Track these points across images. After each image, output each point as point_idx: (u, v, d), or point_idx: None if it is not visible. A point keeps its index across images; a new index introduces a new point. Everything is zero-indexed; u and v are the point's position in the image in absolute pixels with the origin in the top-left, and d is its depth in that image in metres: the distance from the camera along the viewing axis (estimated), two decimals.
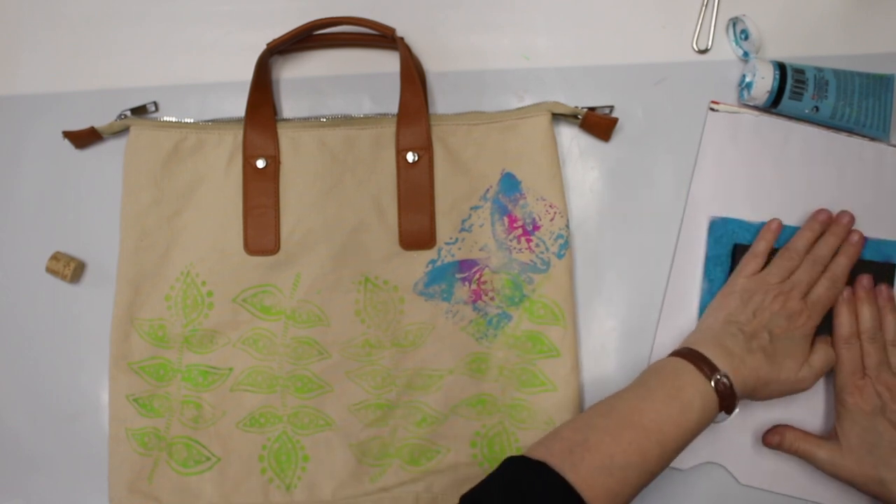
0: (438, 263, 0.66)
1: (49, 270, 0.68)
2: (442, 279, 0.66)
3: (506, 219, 0.67)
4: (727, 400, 0.58)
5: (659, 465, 0.56)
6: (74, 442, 0.68)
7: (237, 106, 0.68)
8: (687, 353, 0.60)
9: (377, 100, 0.70)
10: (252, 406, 0.66)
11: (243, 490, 0.65)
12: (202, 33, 0.72)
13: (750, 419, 0.67)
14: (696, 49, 0.71)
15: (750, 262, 0.65)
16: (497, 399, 0.66)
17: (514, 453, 0.65)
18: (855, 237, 0.65)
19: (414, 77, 0.65)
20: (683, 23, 0.72)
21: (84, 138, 0.68)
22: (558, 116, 0.69)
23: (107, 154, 0.70)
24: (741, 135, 0.69)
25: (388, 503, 0.65)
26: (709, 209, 0.69)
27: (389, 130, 0.67)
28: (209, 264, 0.66)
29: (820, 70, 0.68)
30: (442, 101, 0.70)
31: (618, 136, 0.70)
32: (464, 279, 0.66)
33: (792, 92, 0.67)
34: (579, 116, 0.68)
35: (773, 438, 0.65)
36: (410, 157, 0.66)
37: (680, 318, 0.68)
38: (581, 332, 0.68)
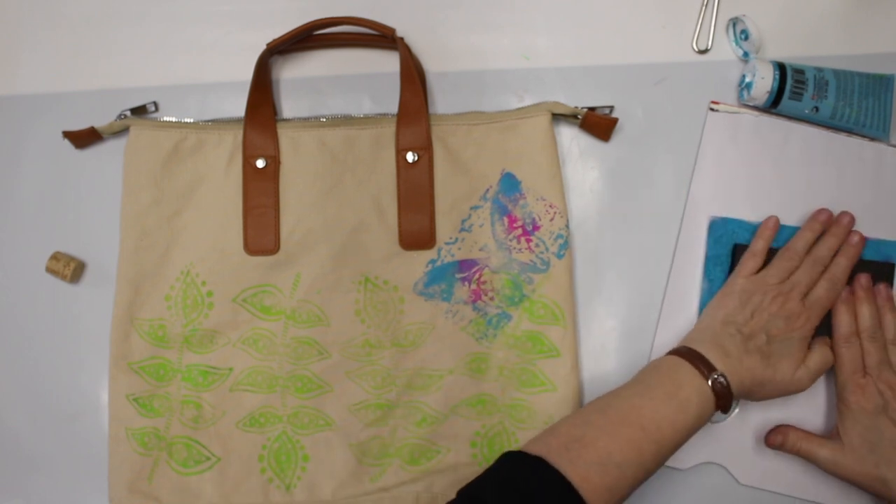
0: (438, 263, 0.66)
1: (49, 270, 0.68)
2: (442, 279, 0.66)
3: (506, 219, 0.67)
4: (724, 399, 0.58)
5: (655, 463, 0.56)
6: (74, 442, 0.68)
7: (237, 106, 0.68)
8: (685, 352, 0.60)
9: (377, 100, 0.70)
10: (252, 406, 0.66)
11: (243, 490, 0.65)
12: (202, 33, 0.72)
13: (750, 419, 0.67)
14: (696, 49, 0.71)
15: (748, 261, 0.65)
16: (497, 399, 0.66)
17: None
18: (855, 238, 0.65)
19: (414, 77, 0.66)
20: (683, 23, 0.72)
21: (84, 138, 0.68)
22: (558, 116, 0.69)
23: (107, 154, 0.70)
24: (741, 135, 0.69)
25: (388, 503, 0.65)
26: (709, 209, 0.69)
27: (389, 130, 0.67)
28: (209, 264, 0.66)
29: (820, 70, 0.68)
30: (442, 101, 0.70)
31: (618, 136, 0.70)
32: (464, 279, 0.66)
33: (792, 92, 0.67)
34: (579, 116, 0.68)
35: (776, 439, 0.65)
36: (410, 157, 0.66)
37: (680, 318, 0.68)
38: (581, 332, 0.68)
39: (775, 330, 0.61)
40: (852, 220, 0.66)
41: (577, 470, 0.53)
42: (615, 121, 0.68)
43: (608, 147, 0.70)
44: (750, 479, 0.67)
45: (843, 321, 0.64)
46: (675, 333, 0.67)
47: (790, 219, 0.68)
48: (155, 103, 0.70)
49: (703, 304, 0.67)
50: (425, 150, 0.66)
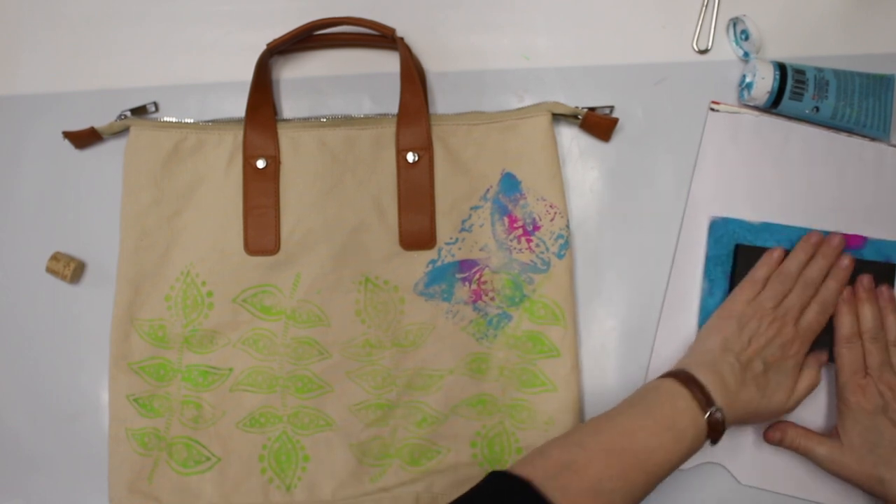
0: (439, 263, 0.66)
1: (49, 270, 0.68)
2: (442, 279, 0.66)
3: (506, 219, 0.67)
4: (717, 433, 0.58)
5: (643, 492, 0.55)
6: (74, 442, 0.68)
7: (237, 106, 0.68)
8: (684, 378, 0.59)
9: (377, 100, 0.70)
10: (252, 406, 0.66)
11: (243, 490, 0.65)
12: (202, 33, 0.72)
13: None
14: (697, 49, 0.71)
15: (748, 288, 0.65)
16: (497, 399, 0.66)
17: (515, 453, 0.65)
18: (844, 262, 0.65)
19: (414, 77, 0.65)
20: (683, 23, 0.72)
21: (84, 138, 0.68)
22: (558, 116, 0.69)
23: (107, 154, 0.69)
24: (741, 135, 0.69)
25: (388, 503, 0.65)
26: (709, 209, 0.69)
27: (389, 130, 0.67)
28: (209, 264, 0.66)
29: (820, 70, 0.68)
30: (442, 101, 0.70)
31: (618, 136, 0.70)
32: (464, 279, 0.66)
33: (792, 92, 0.67)
34: (579, 116, 0.68)
35: (775, 435, 0.65)
36: (410, 157, 0.66)
37: (680, 318, 0.68)
38: (581, 332, 0.68)
39: (771, 357, 0.62)
40: (842, 241, 0.66)
41: (567, 496, 0.52)
42: (615, 121, 0.68)
43: (608, 147, 0.70)
44: (750, 479, 0.67)
45: (844, 322, 0.64)
46: (676, 334, 0.67)
47: (791, 219, 0.68)
48: (155, 103, 0.70)
49: (703, 305, 0.67)
50: (425, 150, 0.66)
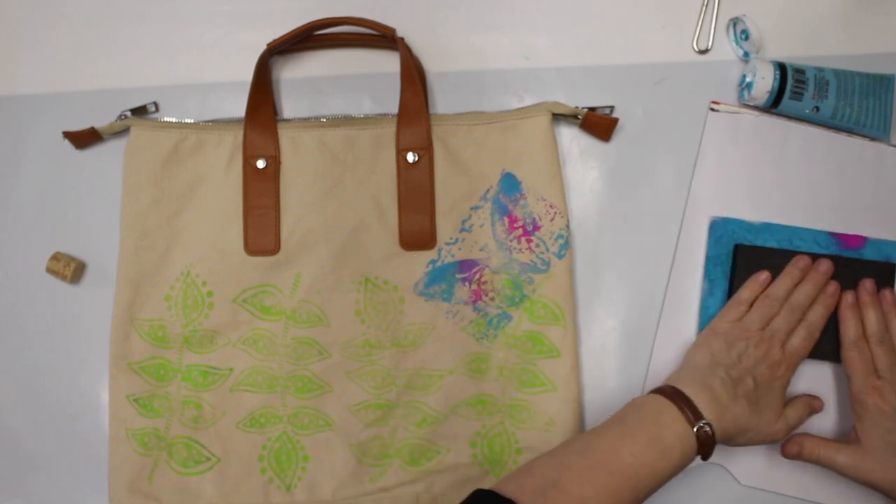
0: (438, 264, 0.66)
1: (49, 270, 0.68)
2: (442, 279, 0.66)
3: (506, 219, 0.67)
4: (706, 448, 0.57)
5: None
6: (74, 442, 0.68)
7: (237, 106, 0.68)
8: (671, 393, 0.58)
9: (377, 100, 0.70)
10: (252, 406, 0.66)
11: (243, 490, 0.65)
12: (202, 33, 0.72)
13: None
14: (697, 49, 0.71)
15: (733, 309, 0.65)
16: (497, 399, 0.66)
17: (515, 454, 0.65)
18: (831, 288, 0.65)
19: (414, 77, 0.65)
20: (683, 23, 0.72)
21: (84, 138, 0.68)
22: (558, 116, 0.69)
23: (107, 154, 0.69)
24: (741, 135, 0.69)
25: (388, 503, 0.65)
26: (709, 209, 0.69)
27: (389, 130, 0.67)
28: (209, 264, 0.66)
29: (820, 70, 0.68)
30: (442, 101, 0.70)
31: (618, 136, 0.70)
32: (464, 279, 0.66)
33: (792, 92, 0.67)
34: (579, 116, 0.68)
35: (792, 448, 0.63)
36: (410, 157, 0.66)
37: (680, 318, 0.68)
38: (581, 332, 0.68)
39: (760, 376, 0.61)
40: (831, 267, 0.65)
41: None
42: (615, 121, 0.68)
43: (608, 147, 0.70)
44: (750, 479, 0.67)
45: (849, 326, 0.64)
46: (676, 334, 0.67)
47: (790, 219, 0.68)
48: (155, 103, 0.70)
49: (703, 305, 0.67)
50: (425, 150, 0.66)
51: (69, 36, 0.72)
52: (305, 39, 0.68)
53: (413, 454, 0.65)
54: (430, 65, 0.71)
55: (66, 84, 0.71)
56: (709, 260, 0.68)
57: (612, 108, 0.69)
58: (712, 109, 0.70)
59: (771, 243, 0.67)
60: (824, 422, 0.67)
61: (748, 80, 0.68)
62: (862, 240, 0.68)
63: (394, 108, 0.67)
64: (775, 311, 0.64)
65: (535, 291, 0.66)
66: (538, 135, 0.67)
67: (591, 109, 0.68)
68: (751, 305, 0.65)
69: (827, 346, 0.65)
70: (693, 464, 0.66)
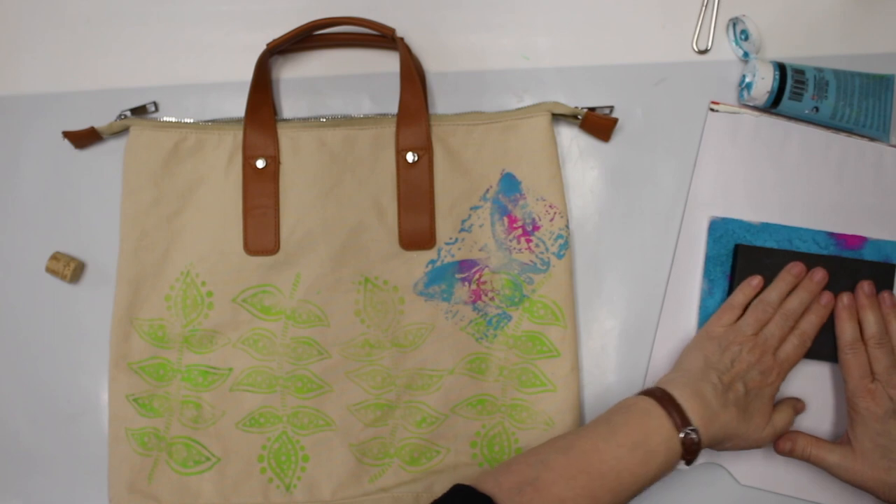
0: (438, 264, 0.66)
1: (49, 270, 0.68)
2: (442, 279, 0.66)
3: (506, 219, 0.67)
4: (691, 454, 0.57)
5: None
6: (74, 442, 0.68)
7: (237, 106, 0.68)
8: (660, 396, 0.58)
9: (377, 100, 0.70)
10: (252, 406, 0.66)
11: (243, 490, 0.65)
12: (202, 33, 0.72)
13: None
14: (696, 49, 0.71)
15: (726, 313, 0.65)
16: (497, 399, 0.66)
17: (515, 453, 0.65)
18: (825, 299, 0.65)
19: (414, 77, 0.66)
20: (683, 23, 0.72)
21: (84, 138, 0.68)
22: (558, 116, 0.69)
23: (107, 154, 0.70)
24: (741, 135, 0.69)
25: (388, 503, 0.65)
26: (709, 209, 0.69)
27: (389, 130, 0.67)
28: (209, 264, 0.66)
29: (820, 70, 0.68)
30: (442, 101, 0.70)
31: (618, 136, 0.70)
32: (464, 279, 0.66)
33: (792, 92, 0.67)
34: (579, 117, 0.68)
35: (785, 445, 0.64)
36: (410, 157, 0.66)
37: (680, 318, 0.68)
38: (581, 332, 0.68)
39: (751, 382, 0.61)
40: (825, 276, 0.65)
41: None
42: (615, 121, 0.68)
43: (608, 147, 0.70)
44: (750, 479, 0.67)
45: (846, 328, 0.64)
46: (675, 333, 0.67)
47: (790, 219, 0.68)
48: (155, 103, 0.70)
49: (703, 304, 0.67)
50: (425, 150, 0.66)
51: (69, 36, 0.72)
52: (305, 39, 0.68)
53: (413, 454, 0.65)
54: (430, 65, 0.71)
55: (66, 84, 0.71)
56: (708, 260, 0.68)
57: (611, 108, 0.69)
58: (712, 110, 0.70)
59: (770, 243, 0.67)
60: (823, 422, 0.67)
61: (748, 80, 0.68)
62: (861, 240, 0.68)
63: (393, 108, 0.67)
64: (769, 317, 0.64)
65: (534, 291, 0.66)
66: (538, 135, 0.67)
67: (591, 109, 0.68)
68: (744, 309, 0.65)
69: (826, 347, 0.65)
70: (694, 463, 0.66)
